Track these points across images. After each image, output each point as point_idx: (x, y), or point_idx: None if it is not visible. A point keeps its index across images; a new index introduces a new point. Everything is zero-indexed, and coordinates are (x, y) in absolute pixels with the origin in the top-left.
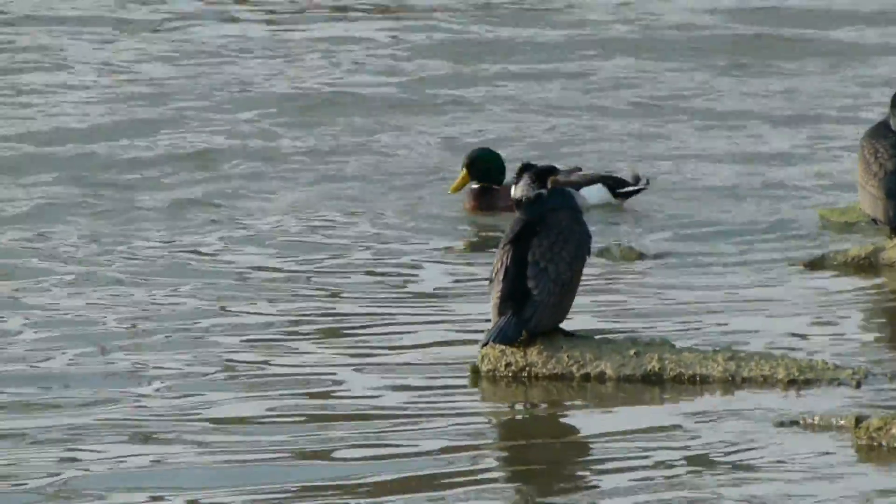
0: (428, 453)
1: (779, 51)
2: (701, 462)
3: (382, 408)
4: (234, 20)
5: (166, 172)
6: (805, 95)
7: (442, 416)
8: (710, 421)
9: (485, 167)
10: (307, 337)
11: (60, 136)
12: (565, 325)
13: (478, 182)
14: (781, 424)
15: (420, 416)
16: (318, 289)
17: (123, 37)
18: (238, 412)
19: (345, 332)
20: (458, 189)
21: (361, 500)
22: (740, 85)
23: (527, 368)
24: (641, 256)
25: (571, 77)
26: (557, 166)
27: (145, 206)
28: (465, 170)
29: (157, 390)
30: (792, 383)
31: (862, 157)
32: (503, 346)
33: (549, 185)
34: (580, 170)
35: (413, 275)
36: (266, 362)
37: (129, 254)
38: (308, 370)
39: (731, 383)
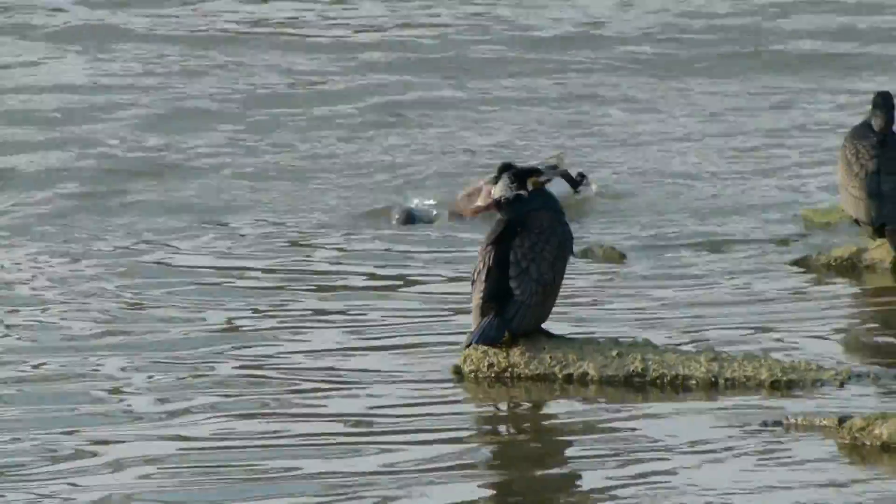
0: (412, 449)
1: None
2: (682, 460)
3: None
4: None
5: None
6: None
7: (426, 415)
8: (691, 420)
9: None
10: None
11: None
12: (547, 325)
13: None
14: (765, 425)
15: (404, 416)
16: (291, 279)
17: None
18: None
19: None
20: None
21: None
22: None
23: (509, 369)
24: (623, 257)
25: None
26: (539, 167)
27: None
28: None
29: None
30: (775, 384)
31: (843, 157)
32: (486, 347)
33: (529, 187)
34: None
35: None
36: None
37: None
38: (286, 368)
39: (713, 384)
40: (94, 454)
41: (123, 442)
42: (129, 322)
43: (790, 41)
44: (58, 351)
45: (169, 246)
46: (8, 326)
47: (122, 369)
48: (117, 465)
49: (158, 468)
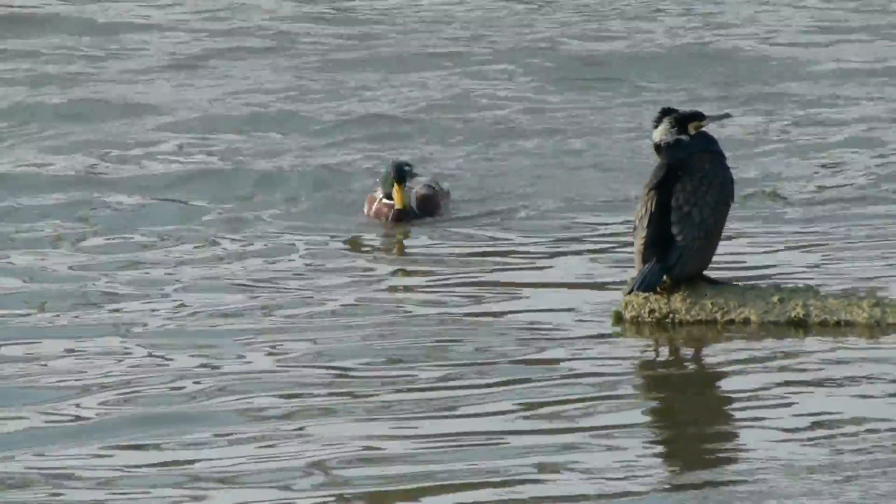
0: (570, 401)
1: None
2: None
3: (525, 358)
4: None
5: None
6: None
7: (586, 360)
8: (854, 366)
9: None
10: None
11: None
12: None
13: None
14: None
15: (563, 361)
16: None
17: None
18: None
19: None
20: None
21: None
22: None
23: (670, 315)
24: (784, 201)
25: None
26: (703, 112)
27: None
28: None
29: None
30: None
31: None
32: (647, 294)
33: (691, 132)
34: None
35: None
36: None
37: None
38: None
39: (875, 329)
40: None
41: None
42: None
43: None
44: None
45: None
46: None
47: None
48: None
49: None
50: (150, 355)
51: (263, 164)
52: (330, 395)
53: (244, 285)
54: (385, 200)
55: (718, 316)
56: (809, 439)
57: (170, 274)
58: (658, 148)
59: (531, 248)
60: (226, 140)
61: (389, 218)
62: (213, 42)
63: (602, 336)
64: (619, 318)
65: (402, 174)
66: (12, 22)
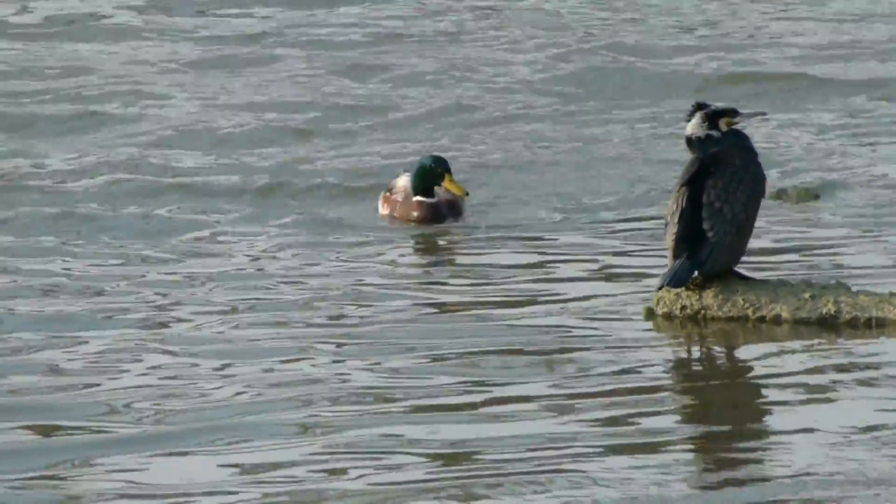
0: (603, 395)
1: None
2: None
3: (558, 346)
4: None
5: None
6: None
7: (617, 351)
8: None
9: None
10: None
11: None
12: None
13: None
14: None
15: (596, 354)
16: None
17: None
18: None
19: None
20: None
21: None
22: None
23: (702, 311)
24: (818, 197)
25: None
26: (736, 108)
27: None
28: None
29: None
30: None
31: None
32: (678, 289)
33: (722, 128)
34: None
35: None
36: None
37: None
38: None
39: None
40: None
41: None
42: None
43: None
44: None
45: None
46: None
47: None
48: None
49: None
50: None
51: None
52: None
53: (275, 285)
54: (419, 198)
55: (750, 312)
56: (849, 442)
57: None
58: (689, 142)
59: (562, 246)
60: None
61: (423, 217)
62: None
63: (634, 332)
64: (650, 314)
65: (448, 165)
66: None
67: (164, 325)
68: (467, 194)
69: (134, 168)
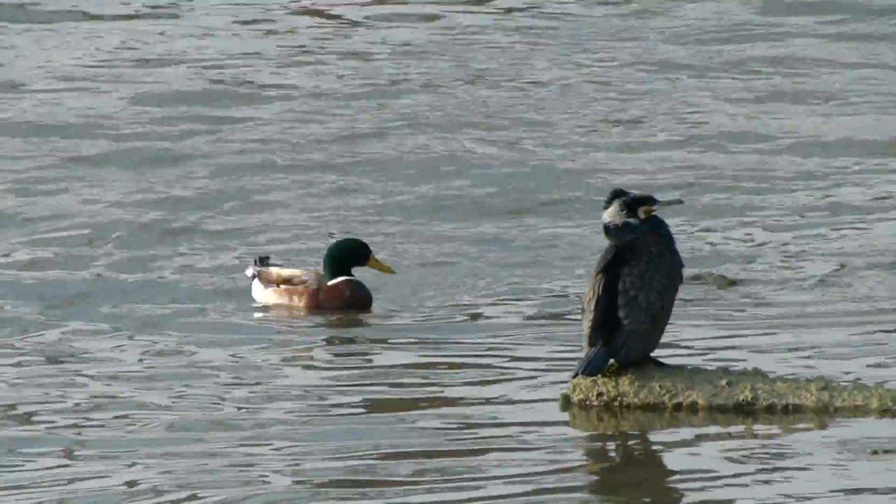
0: (519, 480)
1: None
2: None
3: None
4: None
5: None
6: None
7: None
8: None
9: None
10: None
11: None
12: (656, 353)
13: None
14: (875, 453)
15: (513, 447)
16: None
17: None
18: None
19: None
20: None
21: None
22: None
23: (618, 398)
24: (733, 284)
25: None
26: (655, 196)
27: None
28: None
29: None
30: (886, 413)
31: None
32: (595, 377)
33: (641, 216)
34: None
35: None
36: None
37: None
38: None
39: (823, 413)
40: None
41: None
42: None
43: None
44: None
45: None
46: None
47: None
48: None
49: None
50: None
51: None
52: None
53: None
54: (344, 278)
55: (666, 399)
56: None
57: None
58: (607, 229)
59: (473, 334)
60: None
61: (355, 297)
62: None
63: (550, 421)
64: (567, 402)
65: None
66: None
67: None
68: (393, 272)
69: None
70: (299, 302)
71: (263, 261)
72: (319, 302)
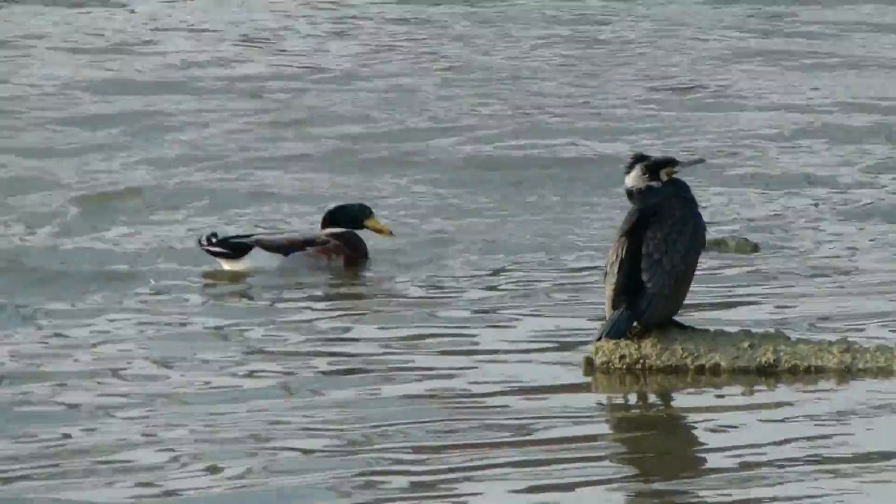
0: (541, 442)
1: None
2: (822, 456)
3: (493, 403)
4: None
5: None
6: None
7: (557, 408)
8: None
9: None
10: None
11: None
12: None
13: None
14: None
15: (534, 410)
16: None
17: None
18: None
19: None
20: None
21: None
22: None
23: (641, 361)
24: (757, 248)
25: None
26: (677, 158)
27: None
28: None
29: None
30: None
31: None
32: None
33: (663, 178)
34: None
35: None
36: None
37: None
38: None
39: (846, 374)
40: None
41: None
42: None
43: None
44: None
45: None
46: None
47: None
48: None
49: None
50: None
51: None
52: None
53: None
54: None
55: (689, 362)
56: None
57: None
58: (630, 194)
59: (491, 295)
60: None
61: (357, 249)
62: None
63: (573, 384)
64: (589, 365)
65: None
66: None
67: None
68: (392, 234)
69: None
70: (337, 260)
71: (212, 238)
72: (352, 257)
